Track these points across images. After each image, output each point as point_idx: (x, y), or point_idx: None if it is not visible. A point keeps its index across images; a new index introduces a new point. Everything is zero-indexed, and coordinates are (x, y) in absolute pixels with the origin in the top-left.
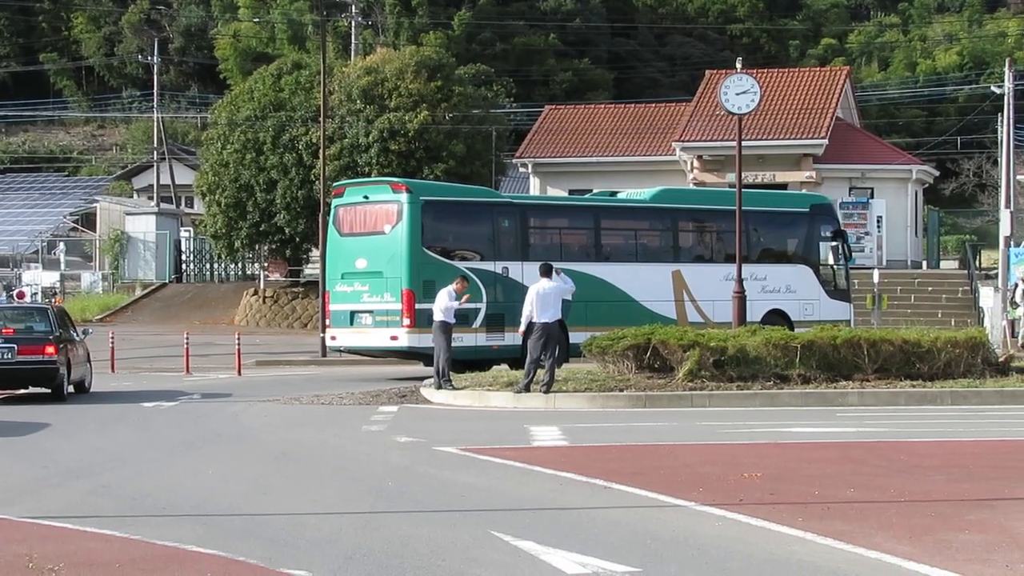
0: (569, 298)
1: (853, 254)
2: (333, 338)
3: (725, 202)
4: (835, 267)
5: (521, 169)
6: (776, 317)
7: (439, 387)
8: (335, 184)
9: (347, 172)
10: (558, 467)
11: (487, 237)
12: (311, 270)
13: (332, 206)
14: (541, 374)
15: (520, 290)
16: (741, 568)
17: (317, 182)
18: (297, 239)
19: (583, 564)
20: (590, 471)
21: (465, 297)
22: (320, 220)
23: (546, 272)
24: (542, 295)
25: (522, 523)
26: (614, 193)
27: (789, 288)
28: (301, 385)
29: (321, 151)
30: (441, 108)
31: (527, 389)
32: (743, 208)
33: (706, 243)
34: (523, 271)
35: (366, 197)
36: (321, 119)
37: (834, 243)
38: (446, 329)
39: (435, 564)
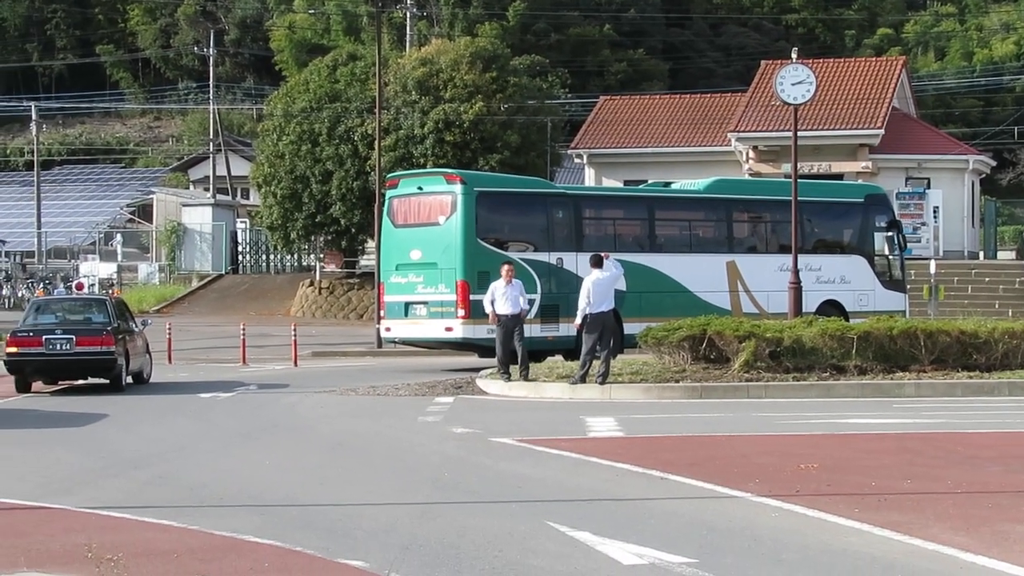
0: (620, 286)
1: (909, 245)
2: (388, 329)
3: (779, 192)
4: (890, 258)
5: (576, 160)
6: (831, 308)
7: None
8: (389, 176)
9: (402, 163)
10: (614, 458)
11: (541, 228)
12: (367, 261)
13: (386, 197)
14: (597, 365)
15: (574, 281)
16: (797, 559)
17: (372, 173)
18: (352, 230)
19: (640, 555)
20: (646, 462)
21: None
22: (375, 211)
23: (596, 263)
24: (596, 285)
25: (578, 514)
26: (668, 184)
27: (844, 279)
28: (357, 376)
29: (376, 142)
30: (496, 99)
31: (583, 380)
32: (800, 199)
33: (760, 233)
34: (577, 262)
35: (420, 188)
36: (376, 110)
37: (889, 233)
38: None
39: (491, 554)
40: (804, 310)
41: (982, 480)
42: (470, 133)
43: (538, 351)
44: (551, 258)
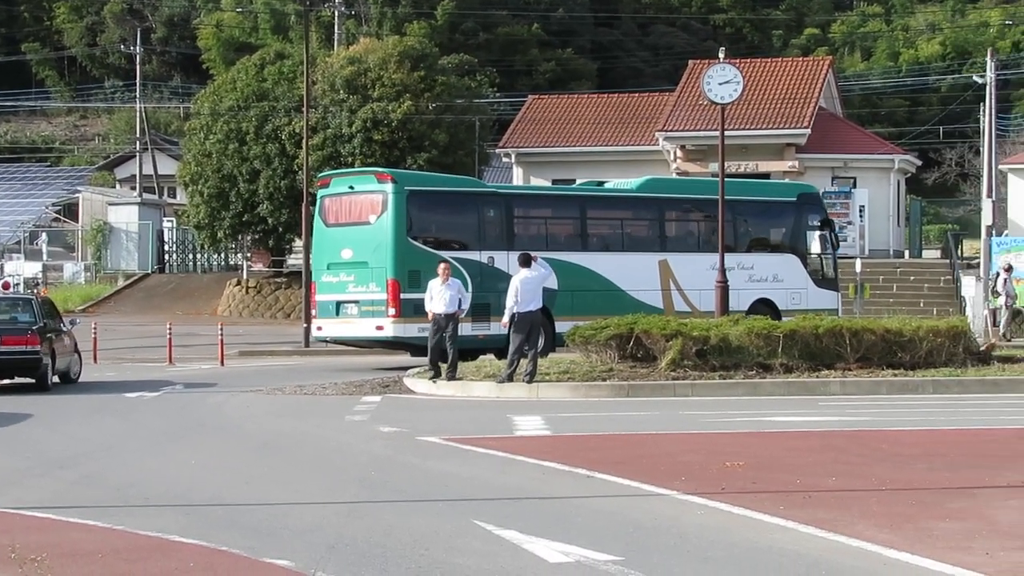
0: (550, 285)
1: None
2: (319, 328)
3: (712, 191)
4: (823, 256)
5: (504, 159)
6: (763, 306)
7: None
8: (320, 175)
9: (330, 162)
10: (541, 456)
11: (472, 227)
12: (294, 260)
13: (318, 196)
14: (524, 364)
15: (506, 280)
16: (723, 556)
17: (300, 172)
18: (280, 229)
19: (566, 553)
20: (573, 460)
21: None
22: (303, 210)
23: (525, 262)
24: (524, 284)
25: (505, 512)
26: (602, 183)
27: (776, 277)
28: (284, 375)
29: (304, 141)
30: (424, 98)
31: (510, 379)
32: (731, 198)
33: (693, 232)
34: (509, 260)
35: (351, 187)
36: (304, 109)
37: (822, 232)
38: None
39: (418, 553)
40: (737, 308)
41: (906, 477)
42: (398, 132)
43: (470, 350)
44: (482, 257)
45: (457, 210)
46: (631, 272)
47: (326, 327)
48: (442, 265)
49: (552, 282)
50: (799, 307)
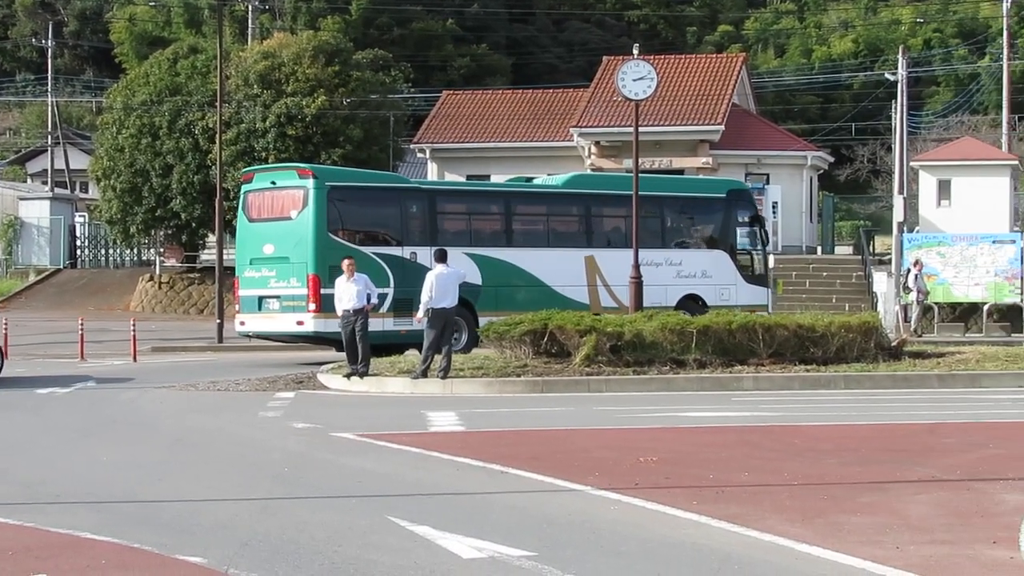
0: (474, 281)
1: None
2: (242, 323)
3: (639, 187)
4: (753, 252)
5: (419, 154)
6: (692, 302)
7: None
8: (244, 170)
9: (244, 157)
10: (455, 452)
11: (395, 222)
12: (207, 256)
13: (241, 192)
14: (439, 359)
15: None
16: (636, 551)
17: (213, 167)
18: (193, 224)
19: (479, 548)
20: (487, 456)
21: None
22: (217, 205)
23: (440, 258)
24: (439, 280)
25: (419, 508)
26: (531, 179)
27: (705, 273)
28: (197, 371)
29: (218, 136)
30: (339, 93)
31: (424, 375)
32: (660, 194)
33: (619, 228)
34: (431, 256)
35: (273, 183)
36: (218, 104)
37: (752, 228)
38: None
39: (331, 549)
40: (665, 304)
41: (818, 472)
42: (312, 127)
43: (392, 345)
44: (405, 252)
45: (379, 206)
46: (557, 268)
47: (249, 322)
48: (346, 261)
49: (475, 278)
50: (729, 303)
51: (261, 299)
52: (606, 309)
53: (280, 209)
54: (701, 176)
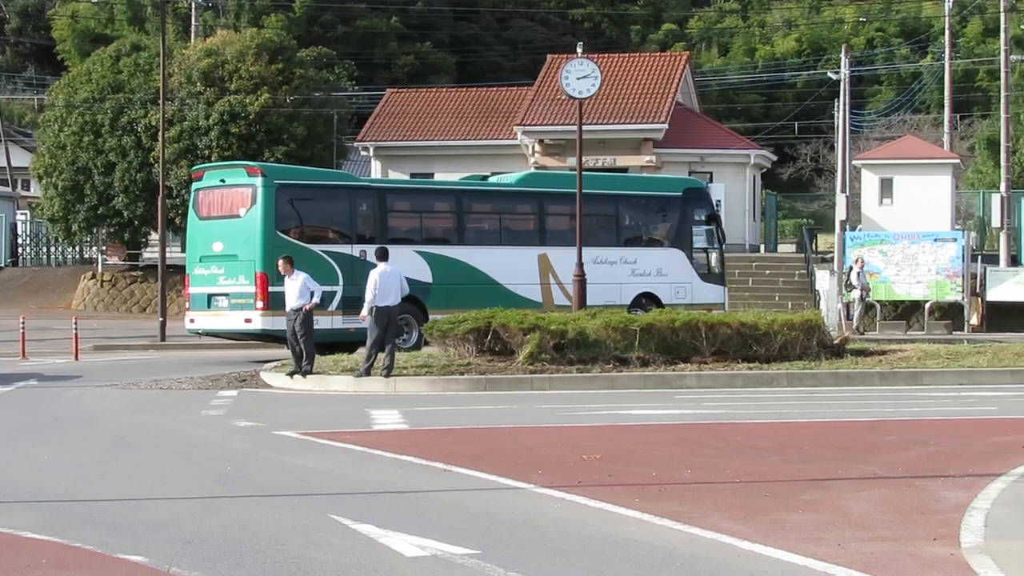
0: (425, 279)
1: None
2: (192, 321)
3: (592, 186)
4: (709, 251)
5: (363, 152)
6: (647, 300)
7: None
8: (194, 168)
9: (187, 155)
10: (398, 450)
11: (344, 220)
12: (150, 254)
13: (192, 189)
14: (382, 357)
15: None
16: (579, 549)
17: (156, 165)
18: (136, 222)
19: (422, 547)
20: (430, 454)
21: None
22: (159, 203)
23: (382, 256)
24: (382, 278)
25: (362, 507)
26: (485, 177)
27: (660, 271)
28: (140, 370)
29: (160, 134)
30: (282, 91)
31: (368, 373)
32: (614, 192)
33: (573, 227)
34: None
35: (223, 181)
36: (160, 102)
37: (708, 227)
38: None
39: (274, 548)
40: (620, 303)
41: (761, 470)
42: (256, 125)
43: (342, 343)
44: (354, 250)
45: (329, 204)
46: (510, 266)
47: (198, 319)
48: (281, 261)
49: (425, 276)
50: (684, 301)
51: (210, 296)
52: (559, 307)
53: (229, 207)
54: (660, 175)
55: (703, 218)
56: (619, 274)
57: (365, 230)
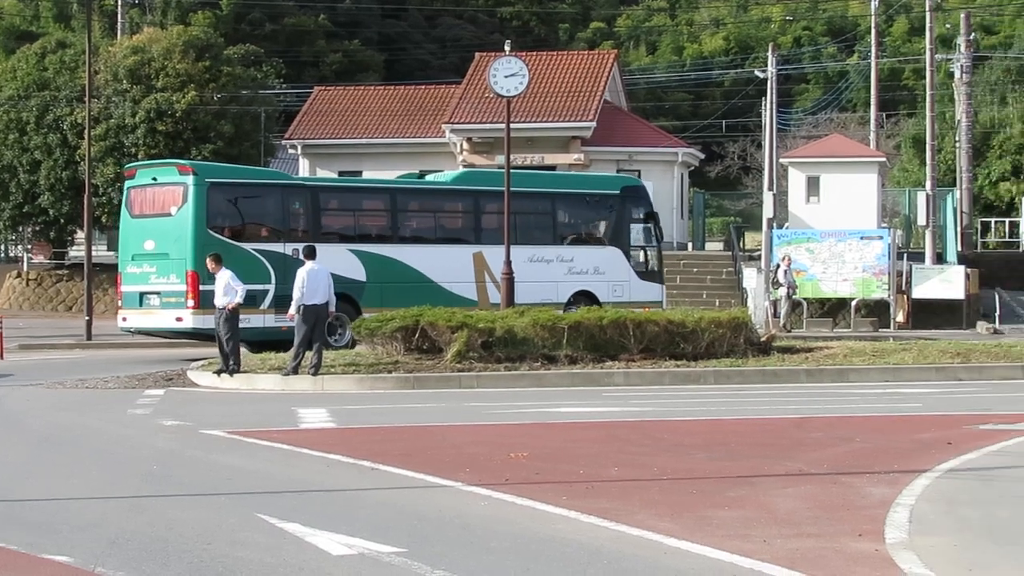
0: (358, 277)
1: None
2: (124, 319)
3: (530, 184)
4: (647, 249)
5: (291, 151)
6: (584, 299)
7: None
8: (127, 166)
9: (113, 153)
10: (326, 449)
11: (277, 219)
12: (76, 252)
13: (125, 187)
14: (310, 356)
15: None
16: (506, 546)
17: (82, 163)
18: (62, 221)
19: (349, 545)
20: (358, 453)
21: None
22: (85, 202)
23: (310, 254)
24: (310, 276)
25: (289, 505)
26: (422, 175)
27: (598, 270)
28: (66, 369)
29: (86, 132)
30: (209, 88)
31: (295, 371)
32: (551, 190)
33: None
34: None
35: (155, 179)
36: (86, 99)
37: (646, 225)
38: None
39: (200, 547)
40: (556, 301)
41: (687, 467)
42: (183, 123)
43: (274, 341)
44: (287, 249)
45: (261, 202)
46: (445, 264)
47: (130, 318)
48: (208, 258)
49: (359, 274)
50: (622, 299)
51: (142, 295)
52: (495, 306)
53: (161, 205)
54: (599, 173)
55: (641, 216)
56: (556, 272)
57: (298, 228)
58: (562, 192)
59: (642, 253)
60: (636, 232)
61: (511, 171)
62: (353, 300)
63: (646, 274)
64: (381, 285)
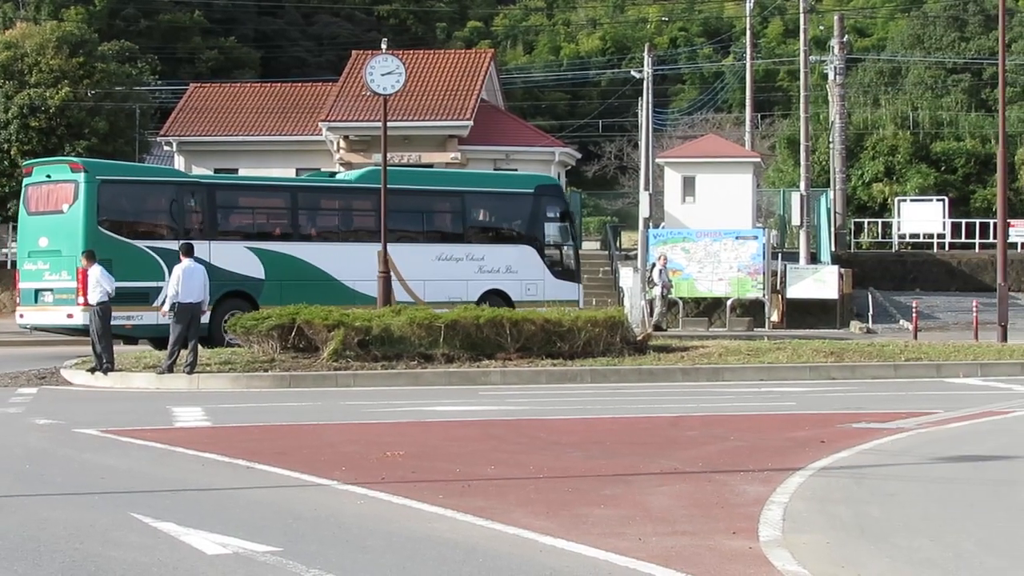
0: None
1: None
2: (21, 316)
3: (440, 182)
4: (563, 248)
5: (166, 147)
6: (496, 297)
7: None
8: (25, 163)
9: None
10: (200, 448)
11: (171, 216)
12: None
13: (23, 185)
14: (185, 355)
15: (207, 270)
16: (382, 545)
17: None
18: None
19: (224, 544)
20: (233, 451)
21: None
22: None
23: (187, 251)
24: (186, 274)
25: (163, 504)
26: (333, 174)
27: (510, 268)
28: None
29: None
30: (83, 85)
31: (170, 370)
32: (463, 188)
33: (416, 223)
34: (210, 251)
35: (48, 176)
36: None
37: (561, 224)
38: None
39: (72, 547)
40: (467, 299)
41: (563, 465)
42: (56, 119)
43: (166, 337)
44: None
45: (154, 199)
46: (348, 262)
47: (27, 315)
48: (82, 255)
49: (257, 272)
50: (536, 298)
51: (37, 292)
52: (402, 303)
53: (54, 202)
54: (516, 172)
55: (556, 215)
56: (466, 271)
57: (193, 226)
58: (473, 190)
59: (557, 252)
60: (551, 231)
61: (417, 170)
62: (251, 297)
63: (562, 273)
64: (280, 283)
